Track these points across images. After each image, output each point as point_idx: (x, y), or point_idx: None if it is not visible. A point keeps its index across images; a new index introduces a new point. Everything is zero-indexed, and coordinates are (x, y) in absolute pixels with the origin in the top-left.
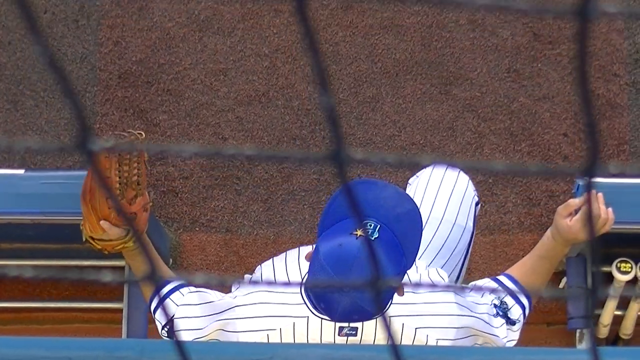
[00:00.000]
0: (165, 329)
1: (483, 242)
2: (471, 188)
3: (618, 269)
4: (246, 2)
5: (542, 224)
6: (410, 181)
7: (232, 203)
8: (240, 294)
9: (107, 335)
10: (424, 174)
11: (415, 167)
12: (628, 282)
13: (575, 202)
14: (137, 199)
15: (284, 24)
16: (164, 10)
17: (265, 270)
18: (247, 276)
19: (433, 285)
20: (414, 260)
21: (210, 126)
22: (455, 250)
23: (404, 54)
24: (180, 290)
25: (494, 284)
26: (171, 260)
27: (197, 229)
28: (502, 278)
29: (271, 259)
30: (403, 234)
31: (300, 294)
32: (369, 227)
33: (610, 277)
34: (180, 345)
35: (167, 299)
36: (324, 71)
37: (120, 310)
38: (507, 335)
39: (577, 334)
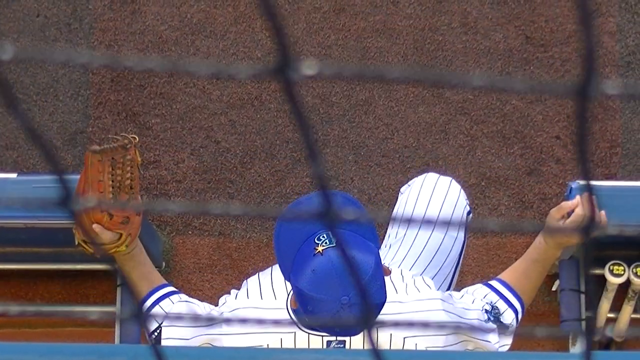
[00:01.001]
0: (154, 335)
1: (476, 245)
2: (463, 197)
3: (611, 271)
4: (239, 5)
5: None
6: (402, 190)
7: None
8: (226, 309)
9: (100, 339)
10: (415, 183)
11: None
12: (621, 284)
13: (567, 204)
14: (129, 203)
15: None
16: (156, 13)
17: (251, 285)
18: (233, 291)
19: (421, 292)
20: (377, 238)
21: (203, 129)
22: (447, 260)
23: (397, 57)
24: (170, 297)
25: (486, 289)
26: (164, 263)
27: (190, 232)
28: (494, 283)
29: (257, 273)
30: (353, 224)
31: (286, 309)
32: (323, 238)
33: (603, 280)
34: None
35: (157, 306)
36: (313, 144)
37: (112, 314)
38: (499, 340)
39: (571, 337)
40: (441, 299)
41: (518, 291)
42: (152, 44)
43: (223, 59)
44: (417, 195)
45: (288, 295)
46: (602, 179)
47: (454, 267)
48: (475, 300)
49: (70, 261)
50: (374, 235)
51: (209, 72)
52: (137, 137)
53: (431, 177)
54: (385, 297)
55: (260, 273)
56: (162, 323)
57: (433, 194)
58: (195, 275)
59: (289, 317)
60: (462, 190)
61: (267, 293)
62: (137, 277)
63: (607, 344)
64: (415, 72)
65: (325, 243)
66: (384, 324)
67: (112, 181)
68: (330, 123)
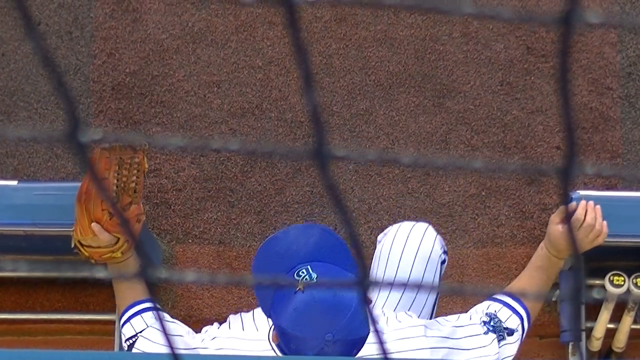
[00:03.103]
0: (127, 343)
1: (476, 255)
2: (438, 246)
3: (611, 282)
4: (240, 14)
5: (535, 237)
6: (379, 238)
7: (225, 215)
8: (208, 337)
9: (99, 347)
10: (390, 232)
11: (395, 163)
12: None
13: (567, 207)
14: (131, 207)
15: (277, 37)
16: (157, 22)
17: (233, 319)
18: (216, 324)
19: (402, 322)
20: (355, 267)
21: (204, 138)
22: (422, 312)
23: (398, 67)
24: (157, 313)
25: (487, 302)
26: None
27: (190, 240)
28: (496, 295)
29: (239, 313)
30: (331, 255)
31: (268, 342)
32: (302, 274)
33: (603, 291)
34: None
35: (139, 316)
36: (309, 69)
37: (112, 322)
38: (500, 351)
39: (570, 347)
40: (424, 325)
41: (521, 297)
42: (153, 52)
43: (224, 67)
44: (390, 247)
45: (270, 328)
46: (602, 190)
47: (430, 315)
48: (472, 316)
49: (70, 269)
50: (353, 264)
51: None
52: (147, 144)
53: (405, 226)
54: (368, 331)
55: (243, 313)
56: (140, 332)
57: (406, 245)
58: (195, 284)
59: (270, 348)
60: (437, 237)
61: (248, 325)
62: (126, 287)
63: (607, 354)
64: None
65: (306, 279)
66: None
67: (117, 180)
68: (331, 132)
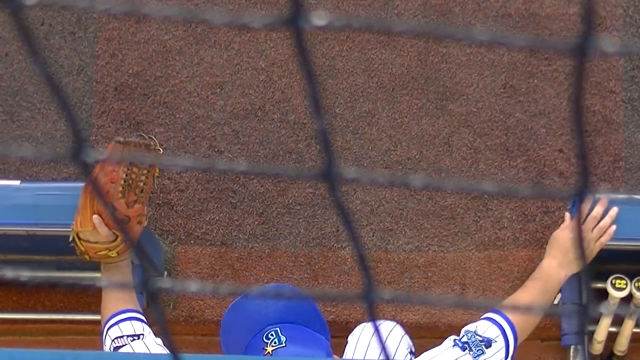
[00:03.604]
0: (114, 345)
1: (478, 258)
2: (404, 346)
3: (613, 285)
4: (243, 15)
5: (537, 240)
6: (348, 339)
7: (228, 216)
8: None
9: (101, 347)
10: (355, 332)
11: (405, 186)
12: (623, 298)
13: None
14: (135, 205)
15: (280, 38)
16: (160, 23)
17: None
18: None
19: None
20: (326, 328)
21: (206, 139)
22: None
23: (401, 69)
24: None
25: (473, 324)
26: (166, 272)
27: (192, 241)
28: (488, 313)
29: None
30: (301, 317)
31: None
32: (271, 336)
33: (605, 294)
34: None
35: (129, 322)
36: (317, 94)
37: None
38: None
39: (571, 350)
40: None
41: (501, 309)
42: (156, 53)
43: (227, 69)
44: (354, 349)
45: None
46: (604, 194)
47: None
48: (445, 342)
49: (72, 269)
50: (324, 326)
51: (224, 21)
52: (161, 150)
53: (370, 326)
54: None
55: None
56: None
57: (369, 348)
58: (195, 281)
59: None
60: (404, 337)
61: None
62: (115, 294)
63: (609, 358)
64: (421, 26)
65: (275, 343)
66: None
67: (126, 175)
68: (334, 134)
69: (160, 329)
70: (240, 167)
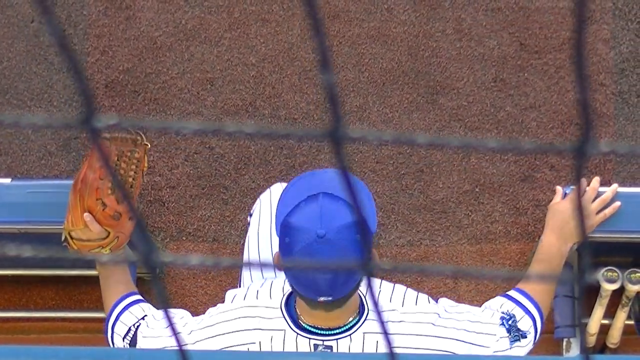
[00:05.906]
0: (127, 340)
1: (470, 252)
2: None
3: (605, 277)
4: (233, 11)
5: (528, 233)
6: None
7: (219, 212)
8: (215, 311)
9: (93, 345)
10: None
11: (411, 144)
12: (614, 291)
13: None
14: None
15: (270, 34)
16: (150, 19)
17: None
18: (231, 290)
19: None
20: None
21: (197, 135)
22: None
23: (391, 64)
24: (143, 304)
25: (502, 299)
26: (158, 269)
27: (184, 238)
28: (511, 292)
29: (249, 286)
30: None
31: (280, 309)
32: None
33: (597, 286)
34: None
35: (137, 305)
36: (326, 49)
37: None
38: (508, 352)
39: (564, 343)
40: (437, 314)
41: (534, 297)
42: (147, 49)
43: (217, 65)
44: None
45: (284, 295)
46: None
47: None
48: (494, 313)
49: (64, 267)
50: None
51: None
52: (149, 145)
53: None
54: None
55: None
56: (137, 325)
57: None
58: (189, 282)
59: (281, 315)
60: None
61: (263, 294)
62: (115, 281)
63: (601, 350)
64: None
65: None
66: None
67: (115, 171)
68: (324, 129)
69: (161, 303)
70: (247, 129)
